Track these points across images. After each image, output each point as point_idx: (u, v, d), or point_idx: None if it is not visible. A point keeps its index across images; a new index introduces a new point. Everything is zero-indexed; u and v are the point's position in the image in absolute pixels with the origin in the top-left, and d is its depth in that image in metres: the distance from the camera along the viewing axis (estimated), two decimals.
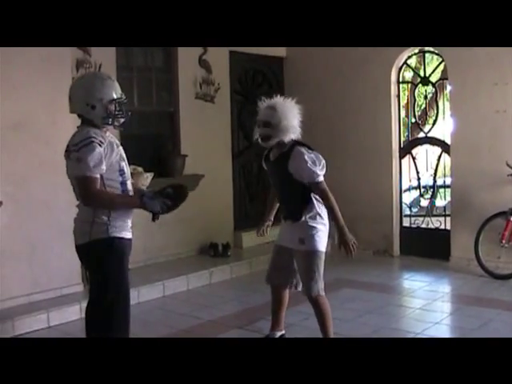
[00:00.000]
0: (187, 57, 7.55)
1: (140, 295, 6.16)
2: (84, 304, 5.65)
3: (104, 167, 3.48)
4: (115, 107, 3.60)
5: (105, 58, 6.54)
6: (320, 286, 4.45)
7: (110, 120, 3.61)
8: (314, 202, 4.43)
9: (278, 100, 4.44)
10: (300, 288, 4.66)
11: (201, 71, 7.79)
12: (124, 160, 3.68)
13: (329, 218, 4.46)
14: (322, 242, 4.44)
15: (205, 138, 7.81)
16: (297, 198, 4.46)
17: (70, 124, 5.91)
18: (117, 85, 3.66)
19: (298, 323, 5.42)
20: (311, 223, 4.41)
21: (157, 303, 6.18)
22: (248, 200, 8.69)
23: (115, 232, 3.58)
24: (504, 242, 6.84)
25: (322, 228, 4.45)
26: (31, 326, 5.35)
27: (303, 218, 4.40)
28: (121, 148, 3.70)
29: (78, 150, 3.44)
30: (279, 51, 8.73)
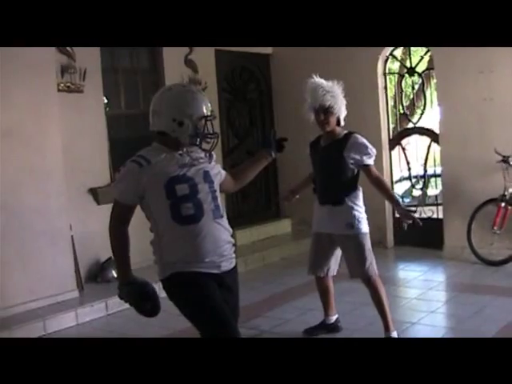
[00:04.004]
0: (173, 57, 7.54)
1: None
2: (80, 310, 5.73)
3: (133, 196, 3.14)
4: (205, 125, 3.18)
5: (89, 62, 6.54)
6: (375, 265, 4.64)
7: (198, 140, 3.18)
8: (359, 189, 4.65)
9: (334, 86, 4.58)
10: (335, 273, 4.90)
11: (187, 71, 7.77)
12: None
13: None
14: (366, 224, 4.66)
15: None
16: (344, 184, 4.59)
17: (57, 131, 5.96)
18: (207, 100, 3.24)
19: (294, 318, 5.45)
20: (356, 208, 4.60)
21: None
22: (241, 198, 8.69)
23: None
24: (496, 228, 6.88)
25: (364, 212, 4.66)
26: (28, 334, 5.32)
27: (347, 203, 4.57)
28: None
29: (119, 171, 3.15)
30: (265, 48, 8.72)
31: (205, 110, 3.18)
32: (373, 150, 4.59)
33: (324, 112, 4.54)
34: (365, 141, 4.58)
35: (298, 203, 5.11)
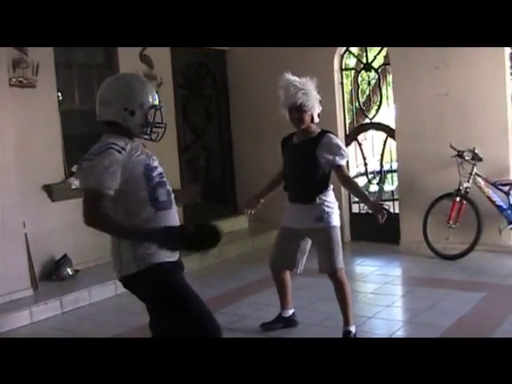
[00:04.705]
0: (128, 52, 7.43)
1: (92, 295, 6.09)
2: (34, 308, 5.63)
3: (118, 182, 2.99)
4: (154, 115, 3.18)
5: (42, 56, 6.39)
6: (341, 259, 4.60)
7: (149, 129, 3.16)
8: (330, 187, 4.61)
9: (307, 82, 4.56)
10: (300, 271, 4.82)
11: (142, 66, 7.67)
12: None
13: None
14: (337, 218, 4.61)
15: None
16: (315, 183, 4.55)
17: (8, 126, 5.83)
18: (154, 89, 3.26)
19: (250, 314, 5.43)
20: (326, 203, 4.55)
21: (110, 303, 6.07)
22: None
23: None
24: (451, 222, 6.95)
25: (336, 208, 4.62)
26: None
27: (317, 201, 4.52)
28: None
29: (91, 159, 3.00)
30: None
31: (153, 100, 3.17)
32: (345, 151, 4.59)
33: (296, 110, 4.50)
34: (338, 141, 4.58)
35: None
